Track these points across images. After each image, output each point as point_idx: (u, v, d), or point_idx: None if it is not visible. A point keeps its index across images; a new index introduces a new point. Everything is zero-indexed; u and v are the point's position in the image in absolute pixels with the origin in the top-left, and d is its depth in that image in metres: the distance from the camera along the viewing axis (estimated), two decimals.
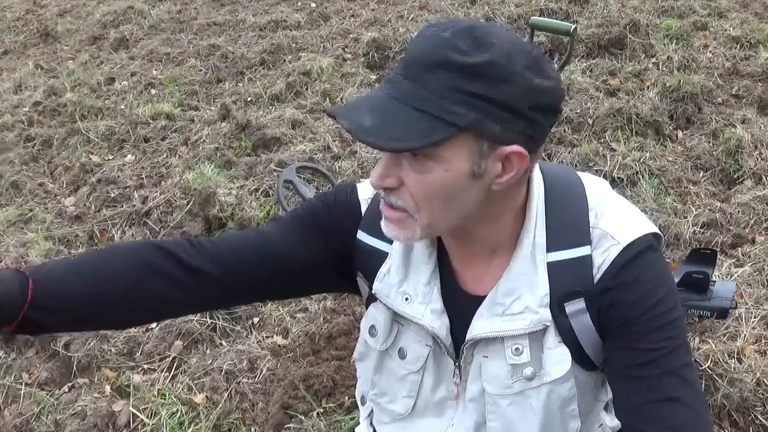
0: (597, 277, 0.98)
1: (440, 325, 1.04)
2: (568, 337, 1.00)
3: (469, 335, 1.03)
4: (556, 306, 0.99)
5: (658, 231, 1.01)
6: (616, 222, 0.99)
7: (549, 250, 1.00)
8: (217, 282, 1.04)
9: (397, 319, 1.09)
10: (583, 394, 1.05)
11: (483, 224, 0.98)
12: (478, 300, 1.03)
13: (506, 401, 1.03)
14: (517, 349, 1.01)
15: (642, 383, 0.94)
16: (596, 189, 1.04)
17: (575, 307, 0.99)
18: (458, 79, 0.84)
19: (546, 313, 0.99)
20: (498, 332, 1.01)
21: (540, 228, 1.00)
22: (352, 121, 0.86)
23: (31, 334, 1.00)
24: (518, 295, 1.00)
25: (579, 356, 1.02)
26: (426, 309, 1.05)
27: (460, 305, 1.05)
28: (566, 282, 0.99)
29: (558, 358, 1.00)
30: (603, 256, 0.98)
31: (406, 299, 1.06)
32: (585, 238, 0.99)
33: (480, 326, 1.02)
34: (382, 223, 0.98)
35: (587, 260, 0.98)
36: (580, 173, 1.07)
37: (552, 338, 1.00)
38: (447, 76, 0.84)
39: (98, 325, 1.06)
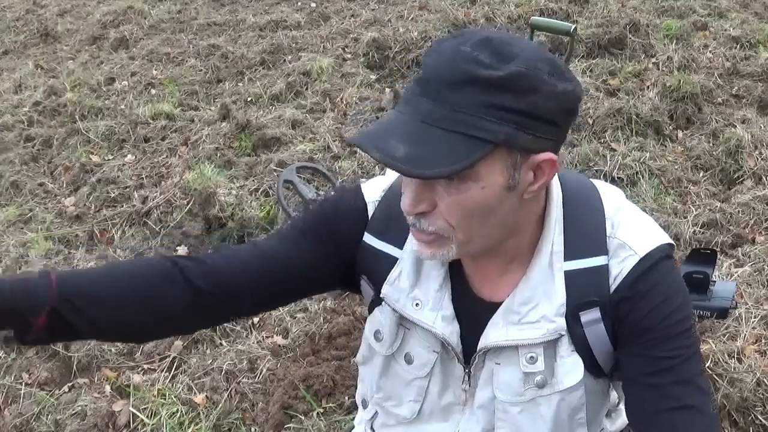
0: (613, 287, 0.97)
1: (451, 331, 1.03)
2: (580, 345, 1.00)
3: (482, 343, 1.02)
4: (571, 315, 0.98)
5: (672, 241, 1.00)
6: (633, 232, 0.99)
7: (566, 258, 0.99)
8: (222, 301, 1.04)
9: (402, 323, 1.08)
10: (591, 402, 1.04)
11: (507, 237, 0.97)
12: (492, 306, 1.02)
13: (517, 409, 1.03)
14: (531, 357, 1.00)
15: (657, 391, 0.94)
16: (612, 198, 1.03)
17: (590, 316, 0.98)
18: (487, 94, 0.82)
19: (561, 322, 0.98)
20: (513, 341, 1.00)
21: (558, 236, 0.99)
22: (382, 151, 0.82)
23: (62, 338, 0.99)
24: (535, 303, 0.99)
25: (590, 364, 1.01)
26: (437, 315, 1.03)
27: (473, 311, 1.04)
28: (582, 291, 0.98)
29: (571, 367, 1.00)
30: (620, 266, 0.97)
31: (417, 305, 1.05)
32: (602, 248, 0.98)
33: (495, 334, 1.01)
34: (415, 247, 0.96)
35: (604, 270, 0.98)
36: (595, 181, 1.07)
37: (565, 347, 1.00)
38: (474, 92, 0.82)
39: (120, 332, 1.04)
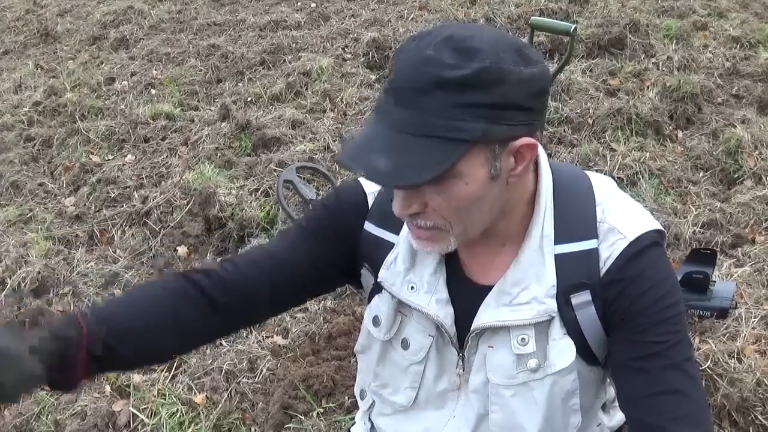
0: (603, 270, 1.00)
1: (445, 314, 1.05)
2: (572, 329, 1.02)
3: (475, 324, 1.04)
4: (563, 297, 1.01)
5: (662, 228, 1.03)
6: (623, 217, 1.01)
7: (557, 242, 1.01)
8: (239, 308, 1.09)
9: (400, 309, 1.10)
10: (584, 389, 1.06)
11: (498, 219, 1.00)
12: (485, 290, 1.05)
13: (510, 392, 1.04)
14: (522, 339, 1.02)
15: (645, 375, 0.97)
16: (603, 185, 1.06)
17: (581, 299, 1.01)
18: (456, 95, 0.84)
19: (552, 304, 1.01)
20: (504, 321, 1.02)
21: (548, 220, 1.02)
22: (365, 167, 0.86)
23: (106, 370, 1.05)
24: (526, 285, 1.01)
25: (582, 349, 1.03)
26: (431, 298, 1.06)
27: (466, 295, 1.06)
28: (573, 274, 1.00)
29: (562, 350, 1.02)
30: (610, 249, 1.00)
31: (412, 288, 1.07)
32: (592, 232, 1.01)
33: (487, 315, 1.03)
34: (414, 242, 1.00)
35: (594, 253, 1.00)
36: (586, 171, 1.09)
37: (557, 330, 1.02)
38: (443, 95, 0.84)
39: (150, 359, 1.13)
